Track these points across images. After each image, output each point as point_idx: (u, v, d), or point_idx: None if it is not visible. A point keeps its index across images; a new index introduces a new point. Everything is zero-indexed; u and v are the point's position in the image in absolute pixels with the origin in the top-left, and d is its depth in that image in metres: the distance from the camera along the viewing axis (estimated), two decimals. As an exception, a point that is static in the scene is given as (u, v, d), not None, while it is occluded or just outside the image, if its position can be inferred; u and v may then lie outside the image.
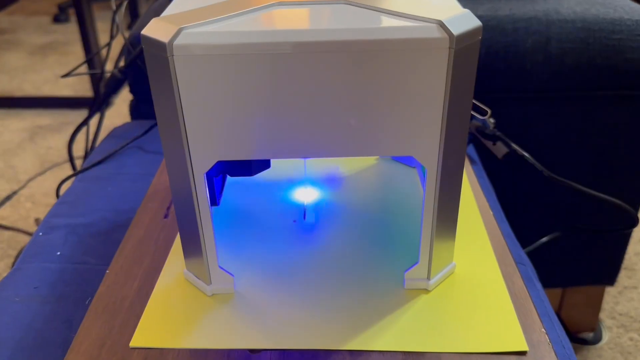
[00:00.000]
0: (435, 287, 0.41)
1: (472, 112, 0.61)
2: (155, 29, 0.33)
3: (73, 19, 2.42)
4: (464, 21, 0.33)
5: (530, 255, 0.69)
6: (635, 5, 0.74)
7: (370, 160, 0.57)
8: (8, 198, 1.34)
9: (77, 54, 2.16)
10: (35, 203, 1.33)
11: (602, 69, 0.70)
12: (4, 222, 1.26)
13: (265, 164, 0.42)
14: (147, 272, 0.44)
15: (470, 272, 0.43)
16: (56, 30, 2.46)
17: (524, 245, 0.69)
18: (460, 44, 0.32)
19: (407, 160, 0.56)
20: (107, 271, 0.44)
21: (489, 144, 0.67)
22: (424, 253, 0.40)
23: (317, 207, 0.50)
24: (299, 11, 0.36)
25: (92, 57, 1.45)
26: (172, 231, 0.48)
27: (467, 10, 0.34)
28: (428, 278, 0.41)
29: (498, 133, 0.63)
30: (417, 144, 0.35)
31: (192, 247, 0.40)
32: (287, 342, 0.37)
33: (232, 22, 0.34)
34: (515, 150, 0.61)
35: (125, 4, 0.74)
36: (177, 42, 0.32)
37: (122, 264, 0.45)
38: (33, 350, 0.40)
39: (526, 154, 0.61)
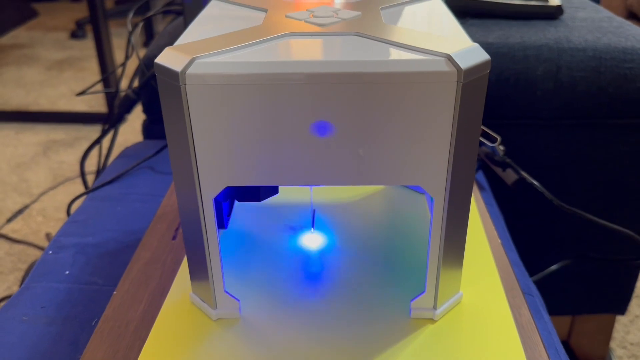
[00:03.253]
0: (442, 317, 0.41)
1: (482, 139, 0.61)
2: (168, 58, 0.34)
3: (90, 35, 2.46)
4: (473, 55, 0.33)
5: (539, 283, 0.68)
6: (647, 34, 0.74)
7: (378, 186, 0.57)
8: (20, 212, 1.36)
9: (92, 69, 2.19)
10: (47, 217, 1.34)
11: (614, 97, 0.70)
12: (15, 236, 1.28)
13: (273, 190, 0.42)
14: (154, 295, 0.44)
15: (477, 302, 0.43)
16: (73, 46, 2.50)
17: (533, 272, 0.69)
18: (468, 77, 0.32)
19: (416, 187, 0.56)
20: (114, 293, 0.44)
21: (498, 170, 0.67)
22: (430, 282, 0.40)
23: (323, 253, 0.49)
24: (311, 42, 0.36)
25: (107, 76, 1.47)
26: (180, 253, 0.49)
27: (476, 44, 0.34)
28: (434, 308, 0.41)
29: (508, 160, 0.63)
30: (424, 174, 0.36)
31: (199, 271, 0.40)
32: (291, 371, 0.37)
33: (244, 52, 0.34)
34: (525, 178, 0.61)
35: (141, 25, 0.75)
36: (189, 71, 0.33)
37: (129, 287, 0.45)
38: (38, 371, 0.40)
39: (535, 182, 0.61)
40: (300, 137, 0.34)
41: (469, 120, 0.34)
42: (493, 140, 0.61)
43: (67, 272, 0.50)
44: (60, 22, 2.81)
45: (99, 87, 1.75)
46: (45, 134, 1.73)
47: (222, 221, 0.46)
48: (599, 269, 0.81)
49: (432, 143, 0.34)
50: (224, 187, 0.36)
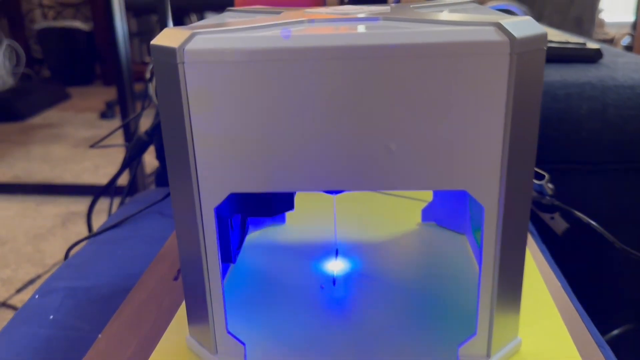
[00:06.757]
0: (497, 367, 0.33)
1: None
2: (165, 37, 0.29)
3: (119, 115, 2.52)
4: (526, 26, 0.28)
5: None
6: (699, 72, 0.68)
7: (411, 225, 0.50)
8: (31, 282, 1.30)
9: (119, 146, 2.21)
10: (58, 288, 1.28)
11: (670, 138, 0.63)
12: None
13: (288, 204, 0.36)
14: (145, 339, 0.37)
15: (541, 350, 0.34)
16: (102, 125, 2.55)
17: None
18: (523, 48, 0.27)
19: (455, 226, 0.49)
20: (99, 337, 0.37)
21: (546, 217, 0.59)
22: (482, 322, 0.32)
23: (348, 276, 0.42)
24: (332, 25, 0.31)
25: (122, 126, 1.48)
26: (181, 294, 0.42)
27: (529, 17, 0.29)
28: (488, 355, 0.33)
29: (557, 202, 0.55)
30: (471, 175, 0.29)
31: (197, 306, 0.33)
32: None
33: (253, 31, 0.29)
34: (578, 220, 0.54)
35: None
36: (188, 47, 0.28)
37: (117, 330, 0.38)
38: None
39: (593, 223, 0.53)
40: (317, 129, 0.28)
41: (526, 104, 0.28)
42: (540, 177, 0.54)
43: (51, 317, 0.43)
44: (92, 104, 2.89)
45: (115, 141, 1.75)
46: (65, 206, 1.70)
47: (230, 254, 0.39)
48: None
49: (482, 134, 0.28)
50: (228, 193, 0.30)
